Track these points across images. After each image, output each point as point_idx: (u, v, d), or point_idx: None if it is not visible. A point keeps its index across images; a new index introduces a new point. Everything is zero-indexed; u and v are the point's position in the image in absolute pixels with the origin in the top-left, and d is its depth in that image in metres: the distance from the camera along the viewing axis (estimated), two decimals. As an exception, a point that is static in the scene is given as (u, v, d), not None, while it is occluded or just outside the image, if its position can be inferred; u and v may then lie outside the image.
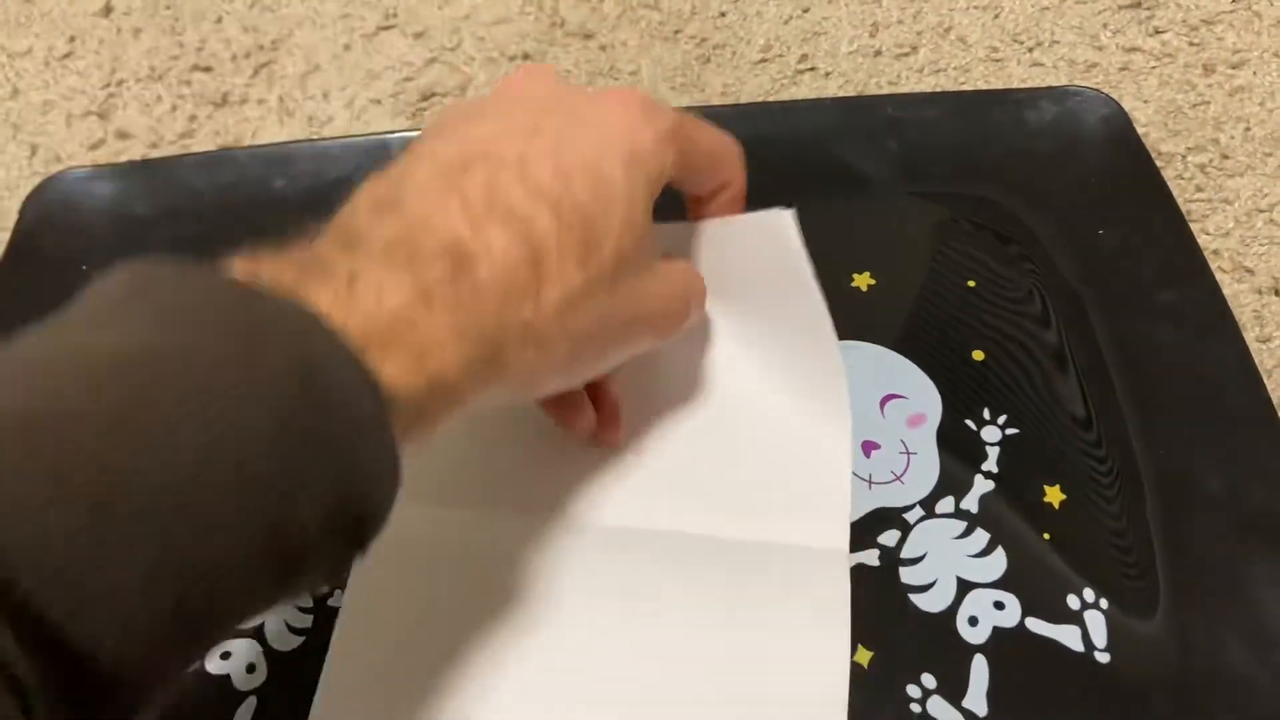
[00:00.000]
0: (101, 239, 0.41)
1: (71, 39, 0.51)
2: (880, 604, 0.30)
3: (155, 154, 0.46)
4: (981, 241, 0.39)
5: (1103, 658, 0.29)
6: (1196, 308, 0.37)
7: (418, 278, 0.23)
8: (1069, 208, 0.40)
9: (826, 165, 0.42)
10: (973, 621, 0.30)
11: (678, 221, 0.32)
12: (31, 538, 0.16)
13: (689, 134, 0.29)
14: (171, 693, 0.19)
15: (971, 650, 0.30)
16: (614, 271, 0.26)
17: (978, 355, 0.36)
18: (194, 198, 0.42)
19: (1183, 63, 0.47)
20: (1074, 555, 0.31)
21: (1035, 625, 0.30)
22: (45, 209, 0.41)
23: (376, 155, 0.42)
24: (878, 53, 0.49)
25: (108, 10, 0.52)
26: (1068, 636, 0.30)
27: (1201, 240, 0.39)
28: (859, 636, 0.30)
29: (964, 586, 0.31)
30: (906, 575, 0.31)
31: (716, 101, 0.47)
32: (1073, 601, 0.30)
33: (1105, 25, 0.49)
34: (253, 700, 0.30)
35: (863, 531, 0.32)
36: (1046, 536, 0.32)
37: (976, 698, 0.29)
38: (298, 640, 0.31)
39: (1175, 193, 0.40)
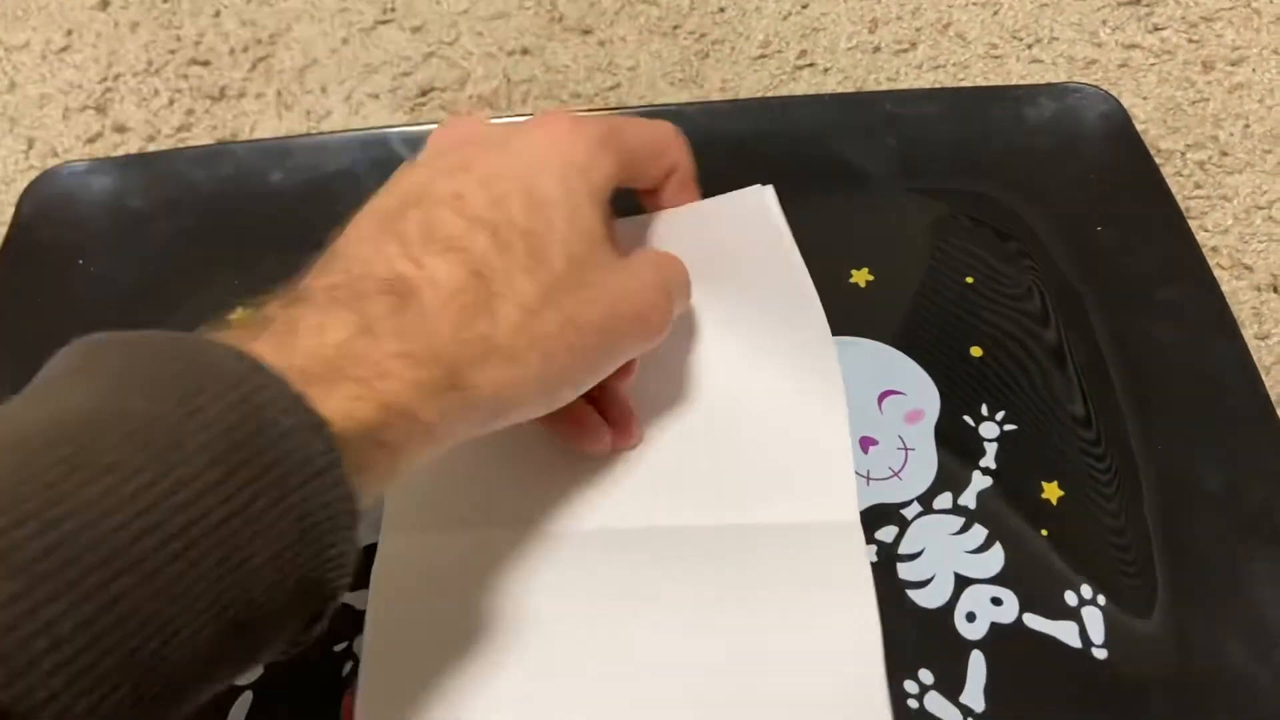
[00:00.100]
0: (98, 233, 0.41)
1: (69, 32, 0.51)
2: (878, 600, 0.30)
3: (152, 148, 0.46)
4: (980, 238, 0.39)
5: (1100, 654, 0.29)
6: (1195, 305, 0.37)
7: (361, 315, 0.23)
8: (1068, 204, 0.40)
9: (825, 161, 0.42)
10: (970, 617, 0.30)
11: (657, 212, 0.32)
12: None
13: (621, 134, 0.29)
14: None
15: (969, 646, 0.30)
16: (570, 276, 0.26)
17: (976, 352, 0.36)
18: (191, 191, 0.41)
19: (1182, 59, 0.47)
20: (1072, 552, 0.31)
21: (1033, 621, 0.30)
22: (42, 203, 0.41)
23: (374, 149, 0.42)
24: (877, 49, 0.48)
25: (105, 4, 0.51)
26: (1065, 633, 0.30)
27: (1200, 237, 0.39)
28: (856, 632, 0.30)
29: (961, 582, 0.31)
30: (904, 571, 0.31)
31: (715, 97, 0.47)
32: (1070, 598, 0.30)
33: (1104, 22, 0.49)
34: (248, 695, 0.30)
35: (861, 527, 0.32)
36: (1044, 533, 0.32)
37: (974, 693, 0.29)
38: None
39: (1174, 190, 0.40)
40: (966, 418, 0.34)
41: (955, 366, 0.36)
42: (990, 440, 0.34)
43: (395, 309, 0.23)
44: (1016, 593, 0.31)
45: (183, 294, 0.38)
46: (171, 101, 0.48)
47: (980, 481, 0.33)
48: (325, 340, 0.22)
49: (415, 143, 0.42)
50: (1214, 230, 0.41)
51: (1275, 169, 0.43)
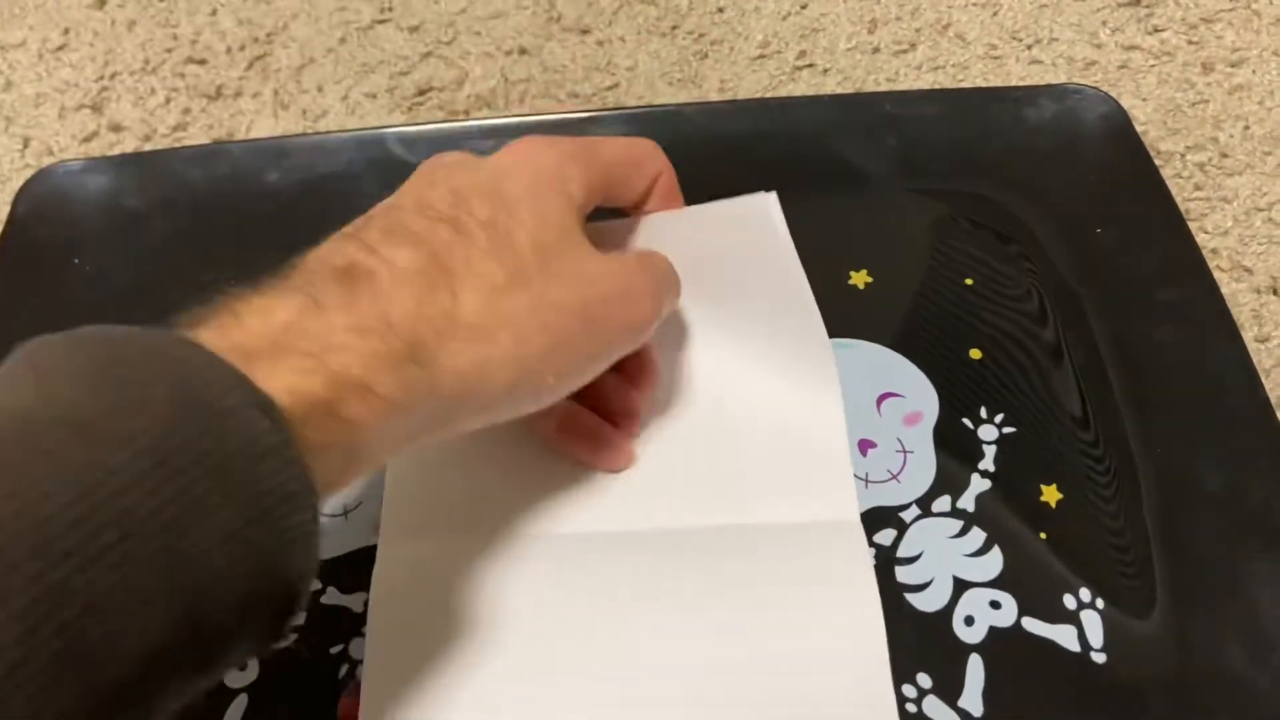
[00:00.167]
0: (94, 232, 0.40)
1: (65, 31, 0.50)
2: (876, 603, 0.30)
3: (148, 147, 0.46)
4: (980, 239, 0.39)
5: (1099, 658, 0.29)
6: (1195, 307, 0.37)
7: (310, 295, 0.22)
8: (1067, 206, 0.40)
9: (824, 162, 0.41)
10: (969, 621, 0.30)
11: (656, 213, 0.32)
12: None
13: (595, 148, 0.29)
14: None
15: (967, 650, 0.29)
16: (540, 261, 0.26)
17: (975, 354, 0.36)
18: (187, 191, 0.41)
19: (1182, 61, 0.47)
20: (1071, 555, 0.31)
21: (1031, 625, 0.30)
22: (38, 202, 0.41)
23: (371, 149, 0.42)
24: (876, 49, 0.48)
25: (101, 2, 0.51)
26: (1064, 636, 0.30)
27: (1200, 239, 0.39)
28: (854, 636, 0.29)
29: (960, 586, 0.31)
30: (902, 574, 0.31)
31: (714, 97, 0.47)
32: (1069, 601, 0.30)
33: (1104, 23, 0.49)
34: (243, 698, 0.30)
35: (859, 530, 0.32)
36: (1043, 536, 0.32)
37: (972, 697, 0.29)
38: (290, 638, 0.31)
39: (1174, 191, 0.39)
40: (965, 420, 0.34)
41: (954, 368, 0.35)
42: (989, 443, 0.34)
43: (347, 288, 0.23)
44: (1015, 596, 0.30)
45: (178, 294, 0.37)
46: (168, 100, 0.48)
47: (979, 484, 0.33)
48: (271, 320, 0.21)
49: (412, 142, 0.42)
50: (1214, 232, 0.41)
51: (1275, 171, 0.43)
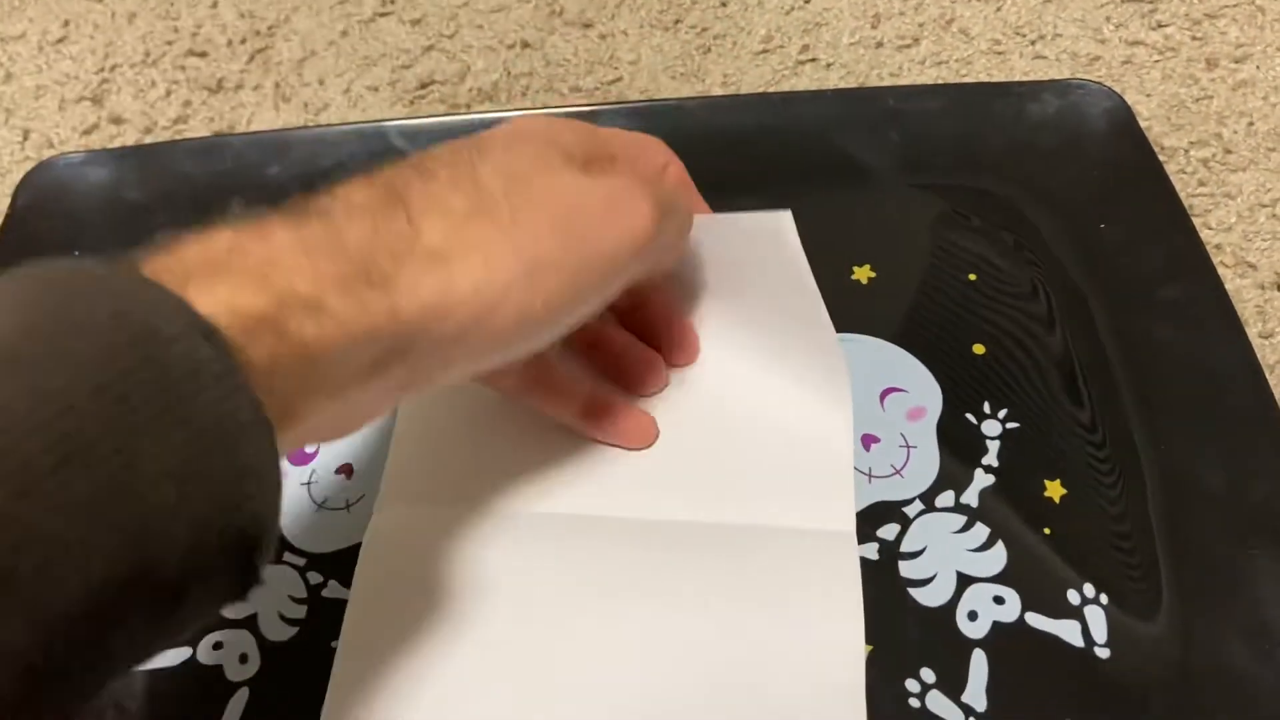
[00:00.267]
0: (94, 225, 0.40)
1: (65, 23, 0.50)
2: (879, 598, 0.30)
3: (149, 139, 0.46)
4: (983, 235, 0.39)
5: (1102, 653, 0.29)
6: (1199, 303, 0.36)
7: (257, 224, 0.21)
8: (1071, 201, 0.40)
9: (827, 157, 0.41)
10: (972, 616, 0.30)
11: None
12: None
13: (592, 127, 0.29)
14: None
15: (971, 645, 0.29)
16: (506, 186, 0.24)
17: (978, 349, 0.36)
18: (188, 184, 0.41)
19: (1185, 57, 0.47)
20: (1074, 550, 0.31)
21: (1035, 620, 0.30)
22: (38, 194, 0.41)
23: (373, 142, 0.41)
24: (879, 44, 0.48)
25: (102, -6, 0.51)
26: (1068, 632, 0.30)
27: (1204, 235, 0.39)
28: (858, 630, 0.29)
29: (964, 581, 0.31)
30: (906, 569, 0.31)
31: (716, 92, 0.47)
32: (1073, 597, 0.30)
33: (1108, 19, 0.49)
34: (245, 691, 0.29)
35: (862, 525, 0.31)
36: (1047, 531, 0.32)
37: (976, 693, 0.29)
38: (291, 631, 0.30)
39: (1178, 187, 0.39)
40: (969, 415, 0.34)
41: (957, 364, 0.35)
42: (992, 438, 0.34)
43: (296, 218, 0.22)
44: (1019, 591, 0.30)
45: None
46: (168, 93, 0.48)
47: (982, 479, 0.33)
48: (212, 245, 0.20)
49: (414, 136, 0.42)
50: (1217, 228, 0.41)
51: (1279, 167, 0.43)
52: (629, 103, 0.45)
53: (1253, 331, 0.37)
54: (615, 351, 0.33)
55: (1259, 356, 0.35)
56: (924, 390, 0.35)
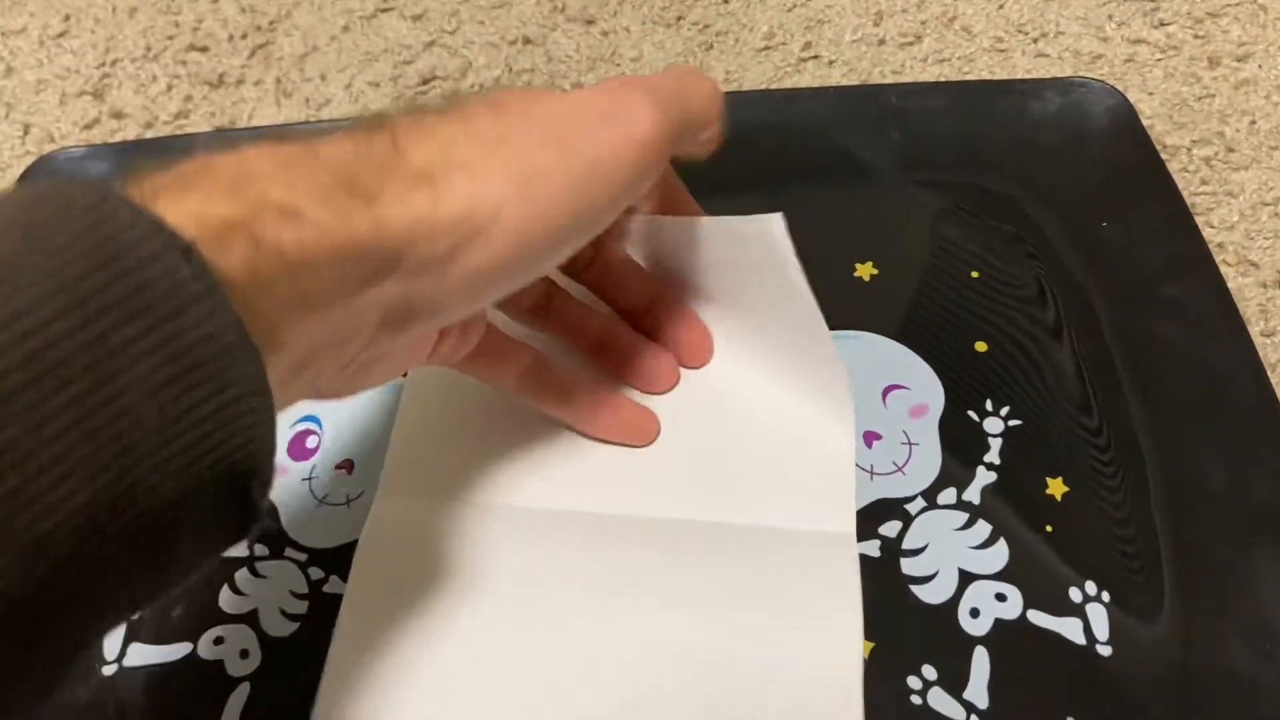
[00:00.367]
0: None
1: (66, 17, 0.50)
2: (881, 595, 0.30)
3: (150, 134, 0.46)
4: (985, 233, 0.39)
5: (1104, 651, 0.29)
6: (1201, 301, 0.36)
7: (236, 149, 0.20)
8: (1073, 199, 0.40)
9: (829, 154, 0.41)
10: (974, 613, 0.30)
11: (668, 216, 0.32)
12: None
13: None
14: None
15: (973, 642, 0.29)
16: (494, 111, 0.23)
17: (980, 346, 0.36)
18: (189, 179, 0.41)
19: (1188, 55, 0.47)
20: (1076, 548, 0.31)
21: (1037, 618, 0.30)
22: (38, 188, 0.41)
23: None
24: (881, 41, 0.48)
25: (103, -11, 0.51)
26: (1069, 629, 0.30)
27: (1206, 233, 0.39)
28: (860, 627, 0.29)
29: (965, 578, 0.31)
30: (908, 566, 0.31)
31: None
32: (1075, 594, 0.30)
33: (1110, 17, 0.49)
34: (245, 687, 0.29)
35: (864, 522, 0.31)
36: (1049, 529, 0.32)
37: (977, 690, 0.29)
38: (292, 626, 0.30)
39: (1180, 185, 0.39)
40: (971, 413, 0.34)
41: (960, 361, 0.35)
42: (995, 435, 0.34)
43: (274, 141, 0.21)
44: (1020, 589, 0.30)
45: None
46: (170, 88, 0.48)
47: (984, 477, 0.33)
48: (182, 167, 0.19)
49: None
50: (1220, 226, 0.41)
51: (1281, 166, 0.43)
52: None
53: (1255, 330, 0.37)
54: (623, 348, 0.33)
55: (1261, 355, 0.35)
56: (926, 387, 0.35)
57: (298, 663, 0.29)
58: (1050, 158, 0.41)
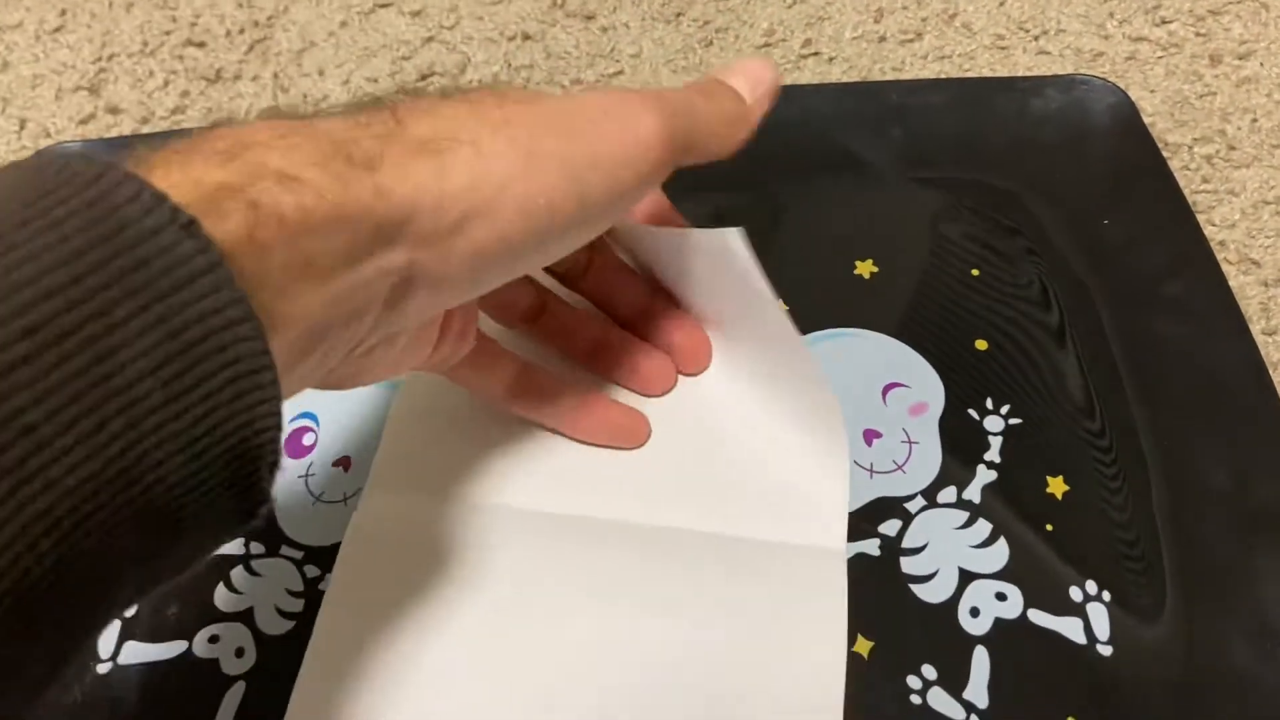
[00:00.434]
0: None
1: (63, 12, 0.50)
2: (881, 594, 0.30)
3: (146, 130, 0.46)
4: (985, 230, 0.39)
5: (1105, 651, 0.29)
6: (1202, 300, 0.36)
7: (234, 124, 0.20)
8: (1074, 197, 0.39)
9: (829, 151, 0.41)
10: (974, 612, 0.30)
11: (639, 224, 0.31)
12: None
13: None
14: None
15: (973, 641, 0.29)
16: (499, 99, 0.23)
17: (981, 344, 0.36)
18: (186, 174, 0.41)
19: (1189, 53, 0.47)
20: (1077, 547, 0.31)
21: (1037, 617, 0.30)
22: (33, 184, 0.40)
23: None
24: (882, 38, 0.48)
25: (99, -17, 0.51)
26: (1070, 629, 0.29)
27: (1207, 231, 0.39)
28: (859, 626, 0.29)
29: (965, 577, 0.30)
30: (907, 565, 0.31)
31: (718, 85, 0.47)
32: (1075, 594, 0.30)
33: (1112, 14, 0.48)
34: (241, 685, 0.29)
35: (864, 520, 0.31)
36: (1049, 528, 0.31)
37: (977, 689, 0.28)
38: (288, 625, 0.30)
39: (1181, 183, 0.39)
40: (971, 411, 0.34)
41: (960, 359, 0.35)
42: (995, 434, 0.33)
43: (271, 118, 0.20)
44: (1021, 588, 0.30)
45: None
46: (166, 83, 0.47)
47: (985, 475, 0.32)
48: (183, 140, 0.19)
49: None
50: (1221, 225, 0.41)
51: (1283, 164, 0.43)
52: (630, 96, 0.45)
53: (1256, 329, 0.37)
54: (618, 352, 0.33)
55: (1263, 354, 0.35)
56: (926, 385, 0.35)
57: (293, 661, 0.29)
58: (1051, 155, 0.40)
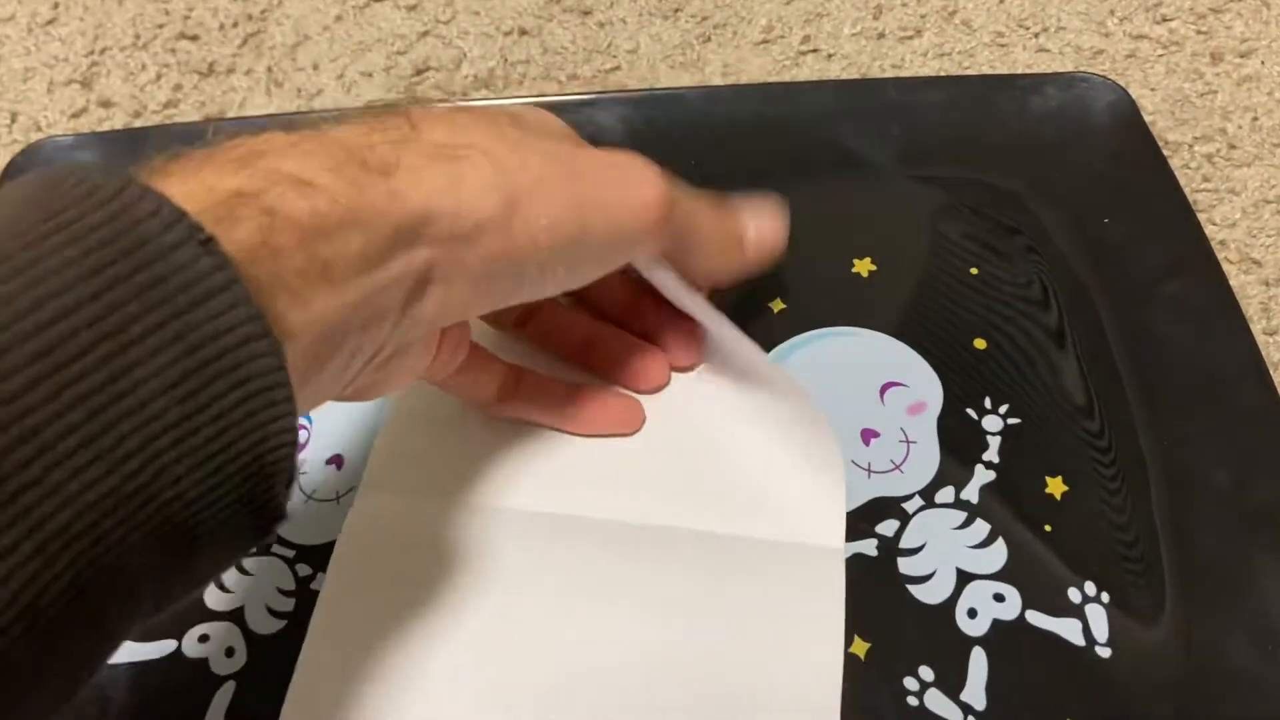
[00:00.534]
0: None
1: (55, 5, 0.49)
2: (878, 595, 0.30)
3: (139, 123, 0.45)
4: (985, 228, 0.38)
5: (1104, 652, 0.29)
6: (1203, 299, 0.36)
7: (250, 134, 0.20)
8: (1074, 196, 0.39)
9: (828, 149, 0.41)
10: (972, 613, 0.30)
11: None
12: None
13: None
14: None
15: (970, 643, 0.29)
16: (511, 117, 0.24)
17: (979, 343, 0.35)
18: (178, 169, 0.40)
19: (1190, 51, 0.46)
20: (1076, 548, 0.31)
21: (1035, 618, 0.29)
22: (24, 177, 0.40)
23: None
24: (881, 35, 0.48)
25: (92, -24, 0.50)
26: (1068, 630, 0.29)
27: (1208, 231, 0.38)
28: (856, 627, 0.29)
29: (963, 578, 0.30)
30: (905, 566, 0.30)
31: (716, 81, 0.46)
32: (1074, 595, 0.30)
33: (1112, 12, 0.48)
34: (231, 685, 0.29)
35: (861, 521, 0.31)
36: (1048, 528, 0.31)
37: (975, 691, 0.28)
38: (279, 624, 0.30)
39: (1182, 182, 0.39)
40: (969, 410, 0.34)
41: (958, 358, 0.35)
42: (993, 434, 0.33)
43: (285, 128, 0.21)
44: (1019, 589, 0.30)
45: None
46: (159, 77, 0.47)
47: (983, 475, 0.32)
48: (196, 151, 0.19)
49: (409, 122, 0.41)
50: (1222, 224, 0.41)
51: (1283, 163, 0.43)
52: (627, 92, 0.44)
53: (1257, 328, 0.37)
54: (610, 347, 0.33)
55: (1263, 354, 0.34)
56: (924, 385, 0.34)
57: (284, 661, 0.29)
58: (1051, 153, 0.40)
